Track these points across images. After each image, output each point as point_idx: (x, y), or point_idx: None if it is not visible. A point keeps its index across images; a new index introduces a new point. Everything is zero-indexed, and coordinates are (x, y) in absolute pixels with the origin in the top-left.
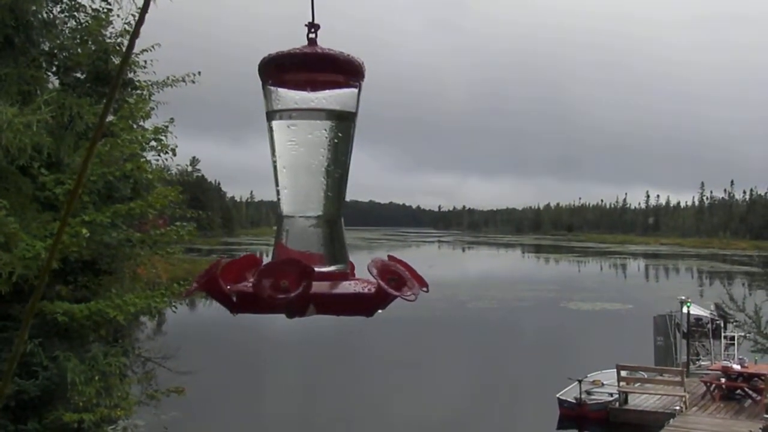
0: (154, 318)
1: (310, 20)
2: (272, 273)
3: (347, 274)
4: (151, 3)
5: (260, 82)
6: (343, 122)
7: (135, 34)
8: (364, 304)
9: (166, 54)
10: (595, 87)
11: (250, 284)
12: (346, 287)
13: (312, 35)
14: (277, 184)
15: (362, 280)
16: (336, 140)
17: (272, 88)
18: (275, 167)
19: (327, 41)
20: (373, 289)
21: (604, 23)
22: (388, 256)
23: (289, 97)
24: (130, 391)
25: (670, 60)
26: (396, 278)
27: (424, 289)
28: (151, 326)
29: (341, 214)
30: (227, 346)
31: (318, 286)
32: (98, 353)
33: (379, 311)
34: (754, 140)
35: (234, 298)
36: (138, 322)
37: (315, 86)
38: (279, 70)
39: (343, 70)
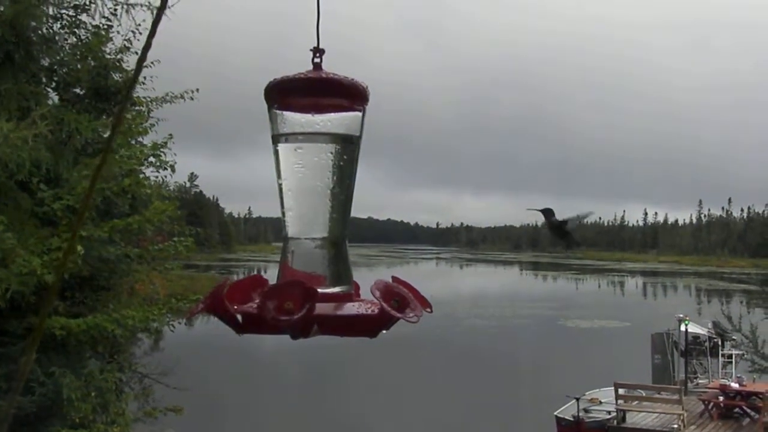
0: (152, 336)
1: (315, 45)
2: (276, 295)
3: (351, 295)
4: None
5: (265, 106)
6: (348, 145)
7: (147, 47)
8: (368, 326)
9: (166, 71)
10: (593, 106)
11: (255, 305)
12: (350, 309)
13: (317, 60)
14: (282, 206)
15: (366, 301)
16: (341, 163)
17: (278, 111)
18: (281, 189)
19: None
20: (376, 311)
21: (601, 44)
22: (392, 277)
23: (294, 120)
24: (127, 407)
25: (667, 80)
26: (399, 300)
27: (428, 310)
28: (149, 342)
29: (345, 236)
30: (225, 362)
31: (322, 308)
32: (94, 369)
33: (384, 332)
34: (752, 159)
35: (240, 319)
36: (135, 339)
37: (320, 110)
38: (284, 94)
39: (347, 94)
